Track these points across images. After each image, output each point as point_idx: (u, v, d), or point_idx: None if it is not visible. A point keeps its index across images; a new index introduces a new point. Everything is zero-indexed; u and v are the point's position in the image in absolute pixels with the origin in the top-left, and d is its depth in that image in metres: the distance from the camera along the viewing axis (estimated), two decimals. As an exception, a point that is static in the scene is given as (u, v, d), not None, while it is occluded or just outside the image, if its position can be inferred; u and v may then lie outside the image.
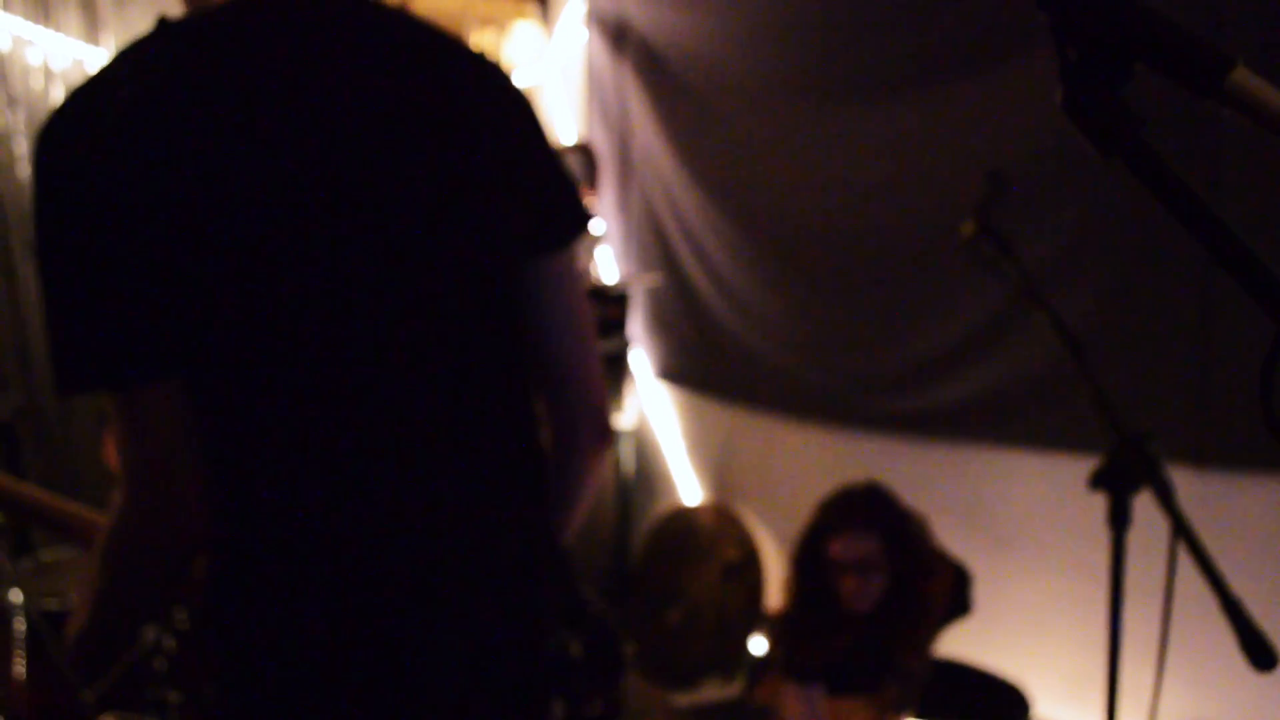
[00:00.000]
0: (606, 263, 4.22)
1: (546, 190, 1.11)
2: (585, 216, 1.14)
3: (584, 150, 4.11)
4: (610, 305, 3.86)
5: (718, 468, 3.87)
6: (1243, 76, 0.52)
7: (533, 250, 1.08)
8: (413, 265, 0.97)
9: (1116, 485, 1.46)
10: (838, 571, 2.18)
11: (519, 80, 1.04)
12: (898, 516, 2.21)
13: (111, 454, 3.32)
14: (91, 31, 3.31)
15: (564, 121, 4.27)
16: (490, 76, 1.07)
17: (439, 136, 1.00)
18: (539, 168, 1.11)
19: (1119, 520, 1.47)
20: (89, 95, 0.92)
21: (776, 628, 2.34)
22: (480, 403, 1.02)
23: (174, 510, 0.96)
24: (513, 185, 1.06)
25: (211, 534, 0.98)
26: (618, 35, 3.96)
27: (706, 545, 3.57)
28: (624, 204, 4.11)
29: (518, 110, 1.09)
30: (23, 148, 3.14)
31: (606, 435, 1.21)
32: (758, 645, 3.59)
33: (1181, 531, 1.32)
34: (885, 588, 2.15)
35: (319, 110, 0.93)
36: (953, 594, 2.28)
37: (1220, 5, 1.99)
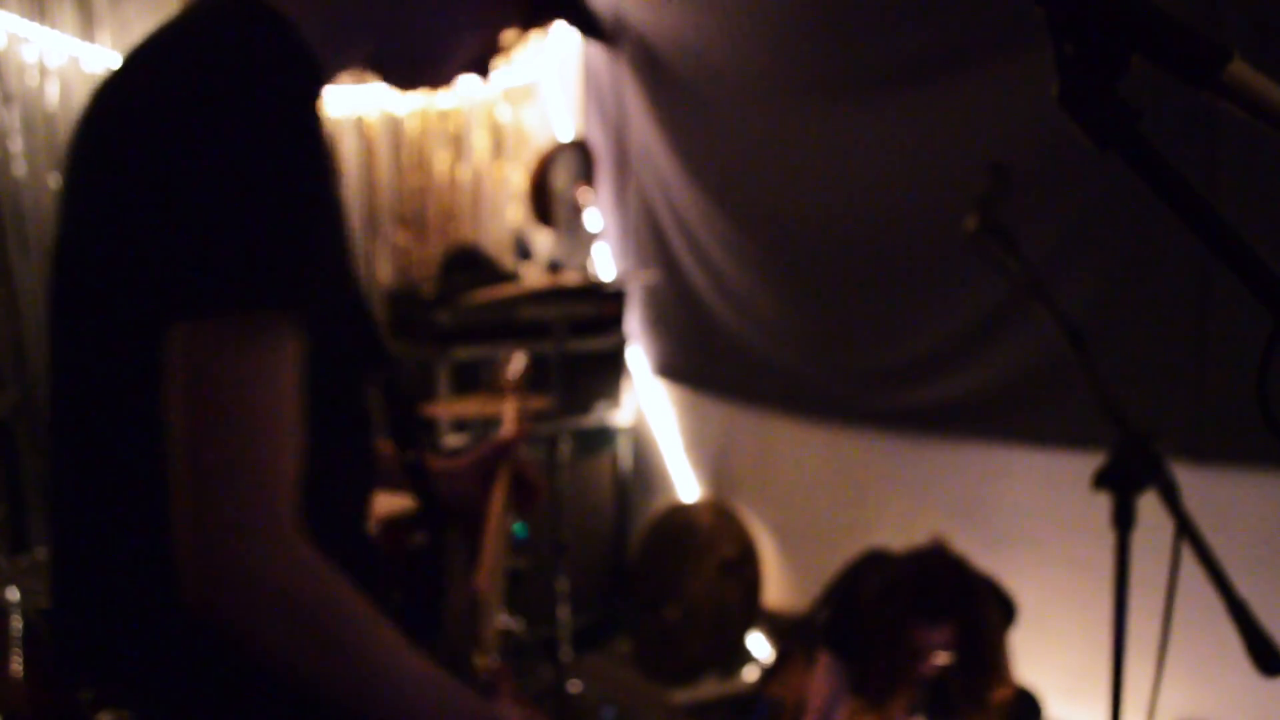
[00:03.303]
0: (603, 259, 4.22)
1: (158, 254, 0.87)
2: (211, 286, 0.85)
3: (580, 147, 4.10)
4: (607, 302, 3.85)
5: (715, 464, 3.87)
6: (1239, 69, 0.51)
7: (141, 329, 0.87)
8: (57, 338, 1.00)
9: (1121, 485, 1.45)
10: (921, 650, 2.16)
11: (193, 117, 0.86)
12: (972, 594, 2.19)
13: None
14: (87, 29, 3.30)
15: (562, 117, 4.26)
16: (136, 124, 0.90)
17: (74, 200, 0.98)
18: (144, 229, 0.88)
19: (1123, 521, 1.46)
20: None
21: (848, 664, 2.29)
22: (89, 481, 0.98)
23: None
24: (110, 248, 0.91)
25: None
26: (615, 31, 3.95)
27: (704, 542, 3.57)
28: (621, 201, 4.10)
29: (145, 164, 0.88)
30: (18, 145, 3.13)
31: (207, 592, 0.83)
32: (756, 641, 3.59)
33: (1186, 532, 1.31)
34: (956, 656, 2.15)
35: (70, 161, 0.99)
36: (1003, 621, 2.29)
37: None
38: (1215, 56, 0.52)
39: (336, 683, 0.87)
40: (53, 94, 3.21)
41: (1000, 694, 2.17)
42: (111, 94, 0.95)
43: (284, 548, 0.85)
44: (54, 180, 3.20)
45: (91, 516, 0.98)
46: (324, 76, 0.99)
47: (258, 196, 0.85)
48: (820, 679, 2.23)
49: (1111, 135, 0.56)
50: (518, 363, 2.10)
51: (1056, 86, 0.58)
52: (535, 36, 1.14)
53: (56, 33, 3.22)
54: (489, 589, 1.40)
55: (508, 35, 1.09)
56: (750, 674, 3.52)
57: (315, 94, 0.93)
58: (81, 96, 3.27)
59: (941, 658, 2.14)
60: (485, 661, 1.28)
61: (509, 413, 1.80)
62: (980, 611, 2.16)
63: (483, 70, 1.11)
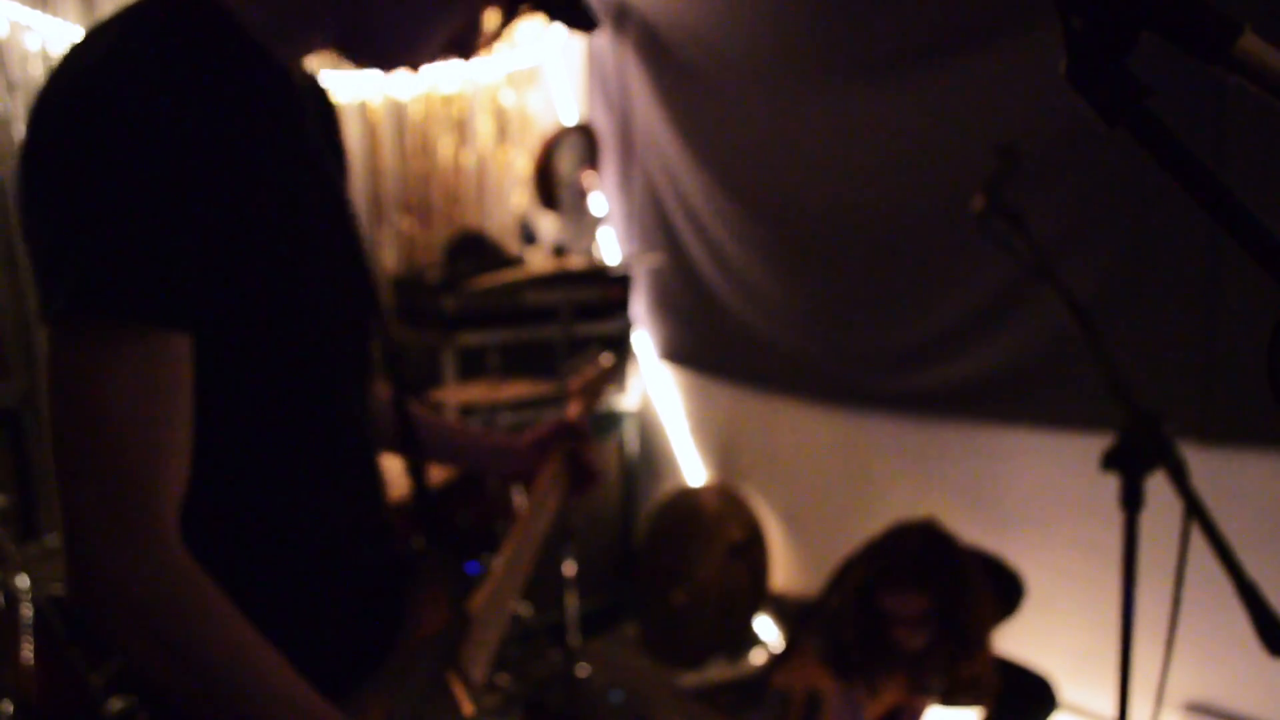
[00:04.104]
0: (608, 244, 4.21)
1: (39, 256, 0.89)
2: (71, 296, 0.83)
3: (585, 131, 4.09)
4: (612, 286, 3.84)
5: (722, 448, 3.87)
6: (1250, 43, 0.50)
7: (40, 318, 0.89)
8: None
9: (1129, 466, 1.44)
10: (890, 619, 2.16)
11: (69, 100, 0.86)
12: (952, 570, 2.19)
13: None
14: (89, 17, 3.29)
15: (566, 101, 4.25)
16: (44, 122, 0.89)
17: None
18: (39, 230, 0.89)
19: (1132, 502, 1.46)
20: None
21: (825, 641, 2.30)
22: None
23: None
24: (31, 242, 0.91)
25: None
26: (618, 15, 3.93)
27: (711, 526, 3.57)
28: (626, 184, 4.09)
29: (36, 154, 0.88)
30: (21, 134, 3.13)
31: (80, 590, 0.83)
32: (763, 625, 3.60)
33: (1195, 512, 1.30)
34: (935, 630, 2.15)
35: None
36: (1002, 601, 2.28)
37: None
38: (1226, 30, 0.51)
39: (197, 701, 0.85)
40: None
41: (969, 669, 2.16)
42: (38, 95, 0.95)
43: (146, 555, 0.84)
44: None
45: None
46: (262, 59, 0.98)
47: (107, 207, 0.83)
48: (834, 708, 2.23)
49: (1120, 112, 0.55)
50: (604, 361, 1.94)
51: (1064, 63, 0.57)
52: (530, 19, 1.09)
53: (59, 21, 3.21)
54: (490, 609, 1.31)
55: (489, 16, 1.05)
56: (758, 657, 3.53)
57: (206, 84, 0.89)
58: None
59: (912, 630, 2.14)
60: (460, 689, 1.20)
61: (574, 400, 1.74)
62: (960, 587, 2.16)
63: (465, 51, 1.06)
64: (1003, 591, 2.31)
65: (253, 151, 0.93)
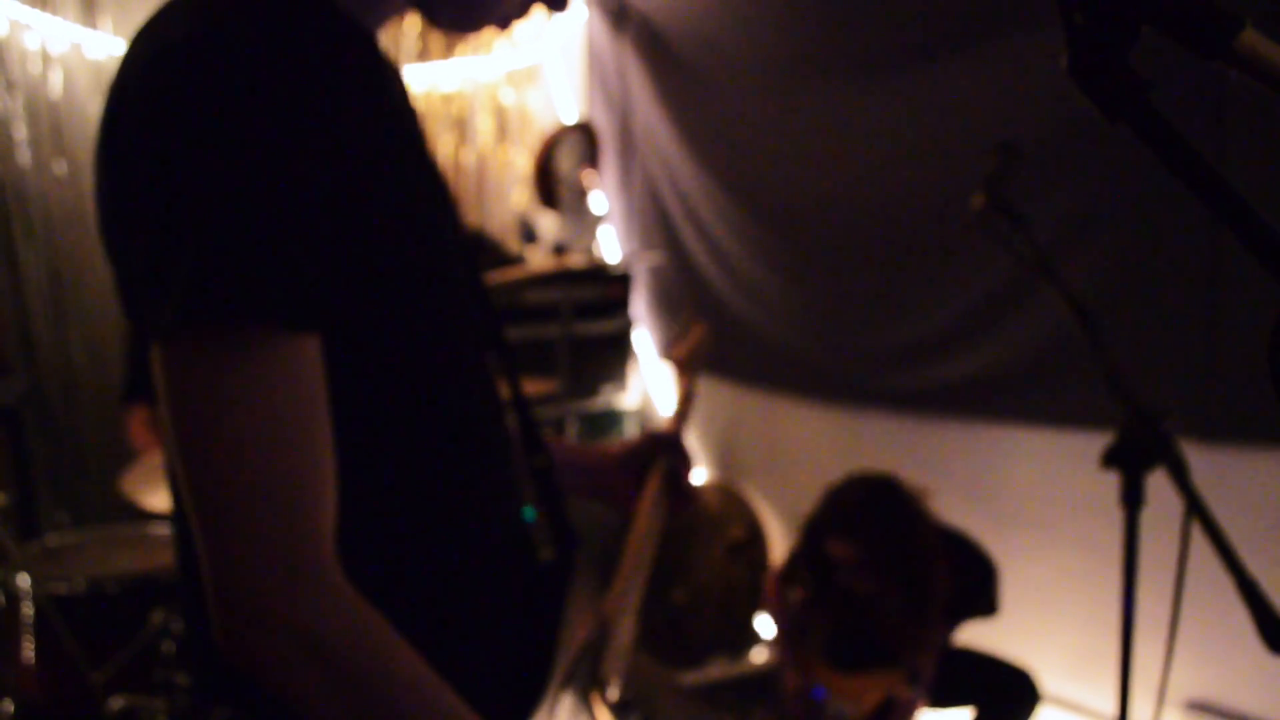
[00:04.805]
0: (609, 242, 4.21)
1: (138, 261, 0.77)
2: (183, 304, 0.73)
3: (584, 129, 4.09)
4: (612, 285, 3.84)
5: (723, 447, 3.87)
6: (1252, 38, 0.50)
7: (148, 334, 0.78)
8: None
9: (1130, 464, 1.44)
10: (834, 564, 2.21)
11: (171, 98, 0.74)
12: (897, 518, 2.23)
13: (139, 434, 3.24)
14: (89, 15, 3.29)
15: (565, 100, 4.25)
16: (126, 111, 0.78)
17: (100, 183, 0.84)
18: (136, 232, 0.77)
19: (1133, 499, 1.45)
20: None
21: (780, 606, 2.37)
22: None
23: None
24: (120, 252, 0.82)
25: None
26: (618, 12, 3.93)
27: (712, 524, 3.57)
28: (626, 183, 4.09)
29: (131, 153, 0.77)
30: (22, 133, 3.13)
31: (242, 631, 0.75)
32: (764, 623, 3.60)
33: (1196, 511, 1.30)
34: (883, 576, 2.18)
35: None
36: (975, 590, 2.29)
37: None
38: (1227, 25, 0.51)
39: None
40: (55, 81, 3.21)
41: (920, 633, 2.19)
42: (111, 85, 0.84)
43: (315, 590, 0.75)
44: (58, 167, 3.20)
45: (182, 524, 0.88)
46: (353, 29, 0.89)
47: (216, 195, 0.73)
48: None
49: (1122, 107, 0.55)
50: (694, 334, 1.71)
51: (1066, 58, 0.57)
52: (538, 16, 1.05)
53: (59, 20, 3.21)
54: (621, 615, 1.22)
55: None
56: (759, 655, 3.53)
57: (306, 62, 0.79)
58: (84, 84, 3.27)
59: (855, 576, 2.18)
60: (602, 711, 1.12)
61: (675, 397, 1.58)
62: (904, 542, 2.19)
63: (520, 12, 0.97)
64: (966, 569, 2.31)
65: (364, 125, 0.83)
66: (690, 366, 1.61)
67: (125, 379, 2.74)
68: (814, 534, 2.30)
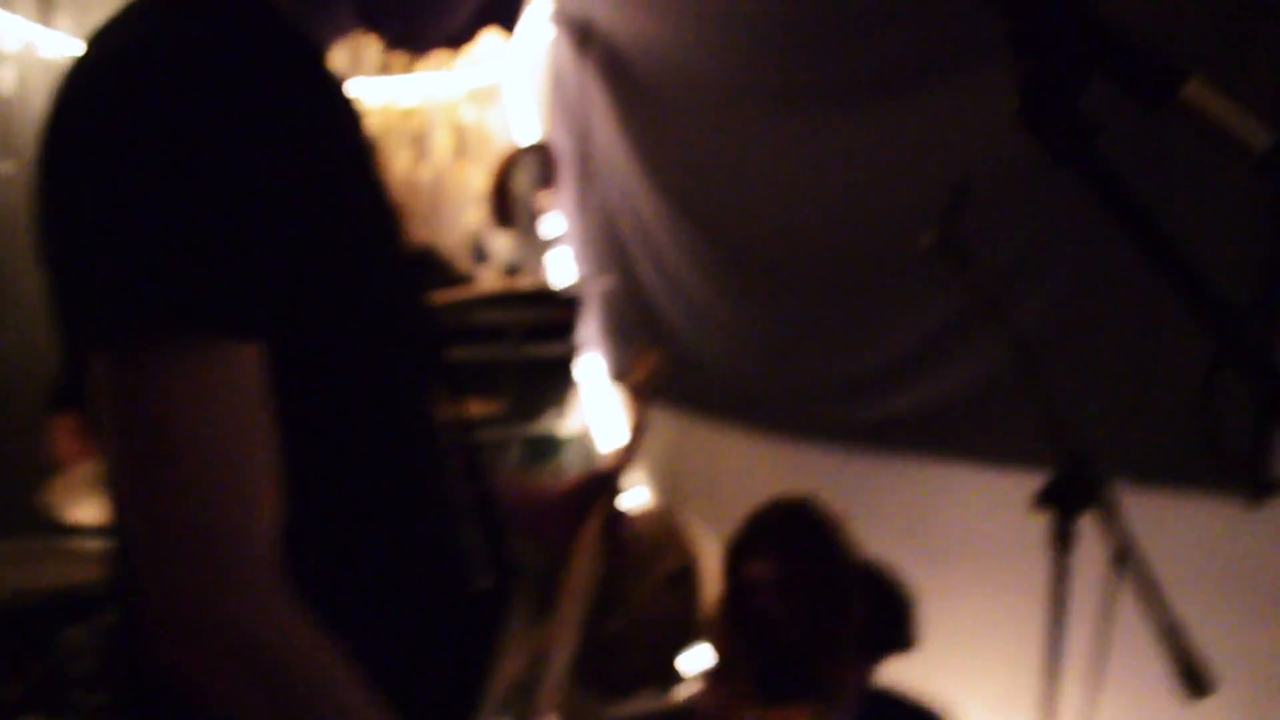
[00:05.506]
0: (562, 265, 4.20)
1: (78, 266, 0.77)
2: (122, 310, 0.73)
3: (541, 150, 4.09)
4: (561, 308, 3.84)
5: (664, 474, 3.87)
6: (1196, 90, 0.52)
7: (85, 340, 0.77)
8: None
9: (1062, 505, 1.46)
10: (752, 588, 2.20)
11: (103, 98, 0.76)
12: (810, 537, 2.22)
13: (64, 444, 3.14)
14: (45, 13, 3.23)
15: (526, 120, 4.25)
16: (69, 116, 0.79)
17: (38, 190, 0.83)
18: (75, 237, 0.77)
19: (1063, 541, 1.47)
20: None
21: (710, 634, 2.36)
22: None
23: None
24: (58, 257, 0.80)
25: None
26: (583, 35, 3.95)
27: (646, 554, 3.56)
28: (582, 205, 4.09)
29: (72, 157, 0.78)
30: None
31: (162, 622, 0.75)
32: (699, 655, 3.58)
33: (1125, 554, 1.32)
34: (794, 597, 2.17)
35: None
36: (890, 622, 2.29)
37: (1179, 10, 1.99)
38: (1172, 77, 0.52)
39: None
40: (8, 79, 3.14)
41: (827, 668, 2.19)
42: (57, 89, 0.84)
43: (249, 594, 0.76)
44: (7, 167, 3.13)
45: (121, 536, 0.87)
46: (301, 42, 0.90)
47: (155, 201, 0.72)
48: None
49: (1069, 152, 0.56)
50: (650, 360, 1.66)
51: (1016, 102, 0.58)
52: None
53: (15, 17, 3.15)
54: (557, 650, 1.22)
55: None
56: (686, 689, 3.51)
57: (253, 66, 0.80)
58: (38, 82, 3.20)
59: (770, 598, 2.17)
60: None
61: (627, 426, 1.55)
62: (818, 564, 2.19)
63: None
64: (882, 601, 2.31)
65: (306, 136, 0.83)
66: (645, 394, 1.59)
67: (54, 388, 2.67)
68: (734, 557, 2.29)
